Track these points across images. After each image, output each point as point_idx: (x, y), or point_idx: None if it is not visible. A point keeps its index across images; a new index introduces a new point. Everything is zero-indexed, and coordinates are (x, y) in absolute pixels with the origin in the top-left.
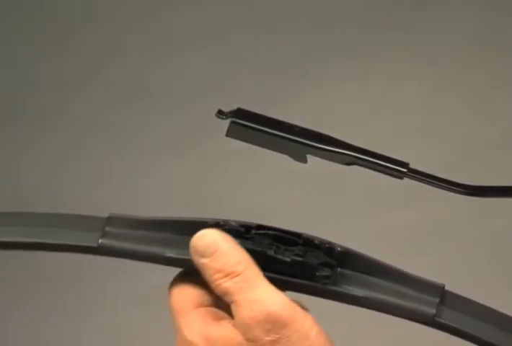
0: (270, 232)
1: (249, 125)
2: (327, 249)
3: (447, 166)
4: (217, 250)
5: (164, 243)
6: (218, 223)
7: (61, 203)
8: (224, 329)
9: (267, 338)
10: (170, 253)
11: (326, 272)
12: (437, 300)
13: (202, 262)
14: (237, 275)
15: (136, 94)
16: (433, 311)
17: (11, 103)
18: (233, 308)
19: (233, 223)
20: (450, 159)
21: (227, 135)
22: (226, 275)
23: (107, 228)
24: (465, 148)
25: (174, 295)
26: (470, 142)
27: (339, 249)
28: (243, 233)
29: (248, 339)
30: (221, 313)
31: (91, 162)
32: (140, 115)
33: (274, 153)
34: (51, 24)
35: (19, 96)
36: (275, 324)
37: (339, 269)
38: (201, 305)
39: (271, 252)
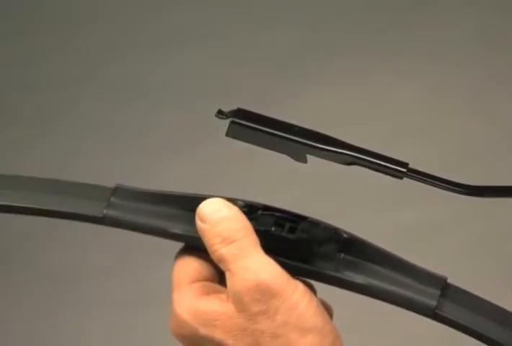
0: (276, 214)
1: (249, 125)
2: (333, 234)
3: (447, 166)
4: (219, 216)
5: (170, 218)
6: (232, 201)
7: None
8: (211, 303)
9: (255, 308)
10: (176, 229)
11: (329, 256)
12: (438, 292)
13: (204, 227)
14: (233, 242)
15: (136, 94)
16: (434, 303)
17: (11, 103)
18: (227, 276)
19: (239, 203)
20: (450, 159)
21: (227, 135)
22: (223, 241)
23: (112, 199)
24: (465, 148)
25: (176, 267)
26: (470, 142)
27: (345, 235)
28: (247, 213)
29: (239, 309)
30: (217, 287)
31: (91, 162)
32: (140, 115)
33: (274, 153)
34: (51, 24)
35: (19, 96)
36: (264, 294)
37: (343, 255)
38: (197, 280)
39: (274, 231)
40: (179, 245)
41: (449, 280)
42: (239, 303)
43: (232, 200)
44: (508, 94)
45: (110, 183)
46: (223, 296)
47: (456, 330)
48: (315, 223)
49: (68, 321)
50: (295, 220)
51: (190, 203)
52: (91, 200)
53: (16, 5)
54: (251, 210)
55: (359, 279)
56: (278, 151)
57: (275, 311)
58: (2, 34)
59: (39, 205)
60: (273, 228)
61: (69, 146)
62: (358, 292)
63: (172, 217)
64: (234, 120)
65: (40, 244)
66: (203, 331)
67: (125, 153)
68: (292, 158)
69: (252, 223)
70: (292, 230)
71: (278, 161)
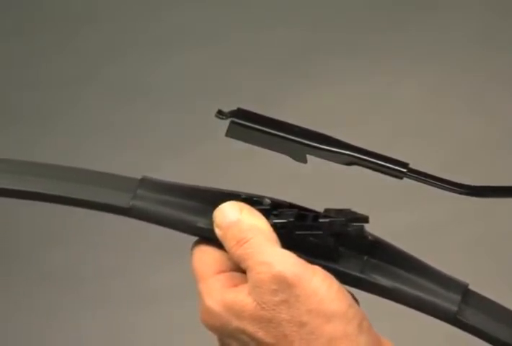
0: (301, 212)
1: (249, 125)
2: (358, 235)
3: (447, 166)
4: (229, 221)
5: (196, 212)
6: (252, 198)
7: None
8: (239, 293)
9: (275, 298)
10: (201, 223)
11: (354, 257)
12: (460, 297)
13: (220, 234)
14: (247, 241)
15: (136, 94)
16: (455, 308)
17: (11, 103)
18: (247, 274)
19: (266, 200)
20: (450, 159)
21: (227, 135)
22: (237, 243)
23: (139, 191)
24: (465, 148)
25: (197, 258)
26: (470, 142)
27: (370, 237)
28: (271, 210)
29: (261, 302)
30: (243, 277)
31: (91, 162)
32: (140, 115)
33: (274, 153)
34: (51, 24)
35: (19, 96)
36: (281, 284)
37: (366, 257)
38: (222, 271)
39: (296, 224)
40: (180, 246)
41: None
42: (260, 296)
43: (260, 197)
44: (508, 94)
45: None
46: (247, 289)
47: (476, 336)
48: (340, 224)
49: (69, 321)
50: (318, 216)
51: (214, 198)
52: (118, 190)
53: (16, 5)
54: (275, 207)
55: (383, 282)
56: (278, 151)
57: (295, 300)
58: (2, 34)
59: (66, 194)
60: (292, 219)
61: (69, 146)
62: (381, 295)
63: (198, 211)
64: (234, 120)
65: (40, 244)
66: (236, 322)
67: (125, 153)
68: (292, 158)
69: (273, 218)
70: (316, 227)
71: (278, 161)
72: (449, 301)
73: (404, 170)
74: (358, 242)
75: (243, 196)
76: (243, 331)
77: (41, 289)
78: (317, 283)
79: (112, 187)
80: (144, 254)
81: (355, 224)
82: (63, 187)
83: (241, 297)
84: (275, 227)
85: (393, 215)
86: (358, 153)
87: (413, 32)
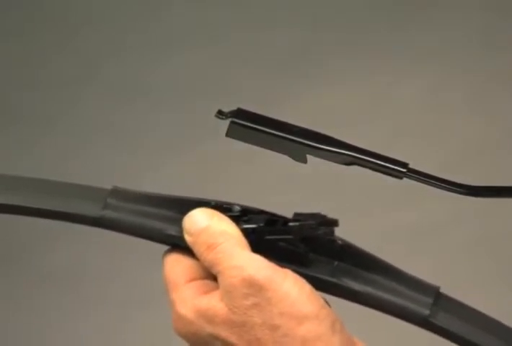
0: (271, 218)
1: (249, 125)
2: (327, 240)
3: (447, 166)
4: (199, 227)
5: (166, 220)
6: (222, 205)
7: None
8: (211, 299)
9: (247, 302)
10: (172, 230)
11: (324, 261)
12: (431, 301)
13: (190, 240)
14: (217, 246)
15: (136, 94)
16: (427, 311)
17: (11, 103)
18: (218, 279)
19: (236, 207)
20: (450, 159)
21: (227, 135)
22: (208, 248)
23: (109, 200)
24: (465, 148)
25: (168, 267)
26: (470, 142)
27: (340, 242)
28: (241, 216)
29: (233, 306)
30: (215, 284)
31: (91, 162)
32: (140, 115)
33: (274, 153)
34: (51, 24)
35: (19, 97)
36: (252, 288)
37: (337, 262)
38: (193, 279)
39: (268, 231)
40: None
41: (449, 280)
42: (231, 301)
43: (230, 205)
44: (508, 94)
45: (110, 183)
46: (219, 294)
47: (448, 340)
48: (309, 227)
49: (68, 321)
50: (288, 221)
51: (184, 206)
52: (88, 200)
53: (16, 5)
54: (245, 213)
55: (354, 286)
56: (278, 151)
57: (267, 303)
58: (2, 34)
59: (34, 205)
60: (262, 224)
61: (69, 146)
62: (351, 299)
63: (168, 219)
64: (234, 120)
65: (40, 245)
66: (209, 329)
67: (125, 153)
68: (292, 158)
69: (243, 224)
70: (286, 232)
71: (278, 161)
72: (421, 304)
73: (404, 170)
74: (328, 247)
75: (213, 203)
76: (216, 337)
77: (41, 289)
78: (289, 286)
79: (82, 198)
80: (144, 255)
81: (324, 227)
82: (31, 198)
83: (213, 303)
84: (246, 232)
85: (393, 215)
86: (358, 153)
87: (413, 32)
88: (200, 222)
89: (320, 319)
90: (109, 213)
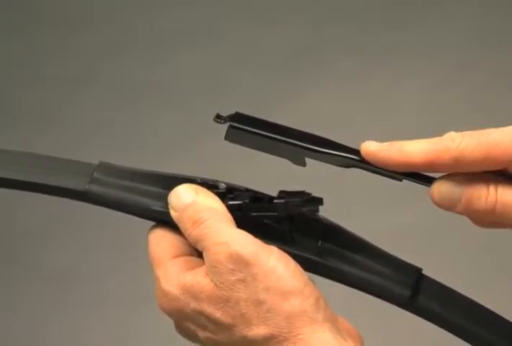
0: (256, 195)
1: (247, 129)
2: (312, 220)
3: None
4: (185, 202)
5: (152, 196)
6: (207, 182)
7: (61, 203)
8: (196, 275)
9: (233, 278)
10: (156, 206)
11: (308, 241)
12: (413, 282)
13: (175, 215)
14: (202, 222)
15: (136, 94)
16: (408, 292)
17: (11, 103)
18: (204, 255)
19: (221, 185)
20: None
21: (225, 139)
22: (193, 224)
23: (95, 174)
24: None
25: (153, 243)
26: None
27: (324, 221)
28: (226, 193)
29: (218, 282)
30: (199, 261)
31: (91, 162)
32: (140, 115)
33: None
34: (51, 24)
35: (19, 96)
36: (237, 264)
37: (320, 242)
38: (178, 255)
39: (253, 207)
40: None
41: (449, 280)
42: (217, 276)
43: (215, 182)
44: (508, 94)
45: None
46: (204, 270)
47: (428, 321)
48: (294, 205)
49: (68, 321)
50: (273, 198)
51: (171, 182)
52: (75, 175)
53: (16, 5)
54: (231, 191)
55: (337, 265)
56: (277, 155)
57: (253, 278)
58: (2, 34)
59: (20, 178)
60: (248, 201)
61: (69, 146)
62: (334, 279)
63: (154, 195)
64: (232, 124)
65: (39, 245)
66: (193, 304)
67: (125, 153)
68: (291, 161)
69: (229, 201)
70: (271, 209)
71: (278, 161)
72: (403, 285)
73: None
74: (312, 226)
75: (199, 180)
76: (201, 313)
77: (40, 289)
78: (274, 262)
79: (69, 172)
80: (144, 254)
81: (310, 205)
82: (17, 171)
83: (199, 278)
84: (231, 209)
85: (393, 215)
86: (357, 156)
87: (413, 32)
88: (186, 198)
89: (305, 295)
90: (95, 188)
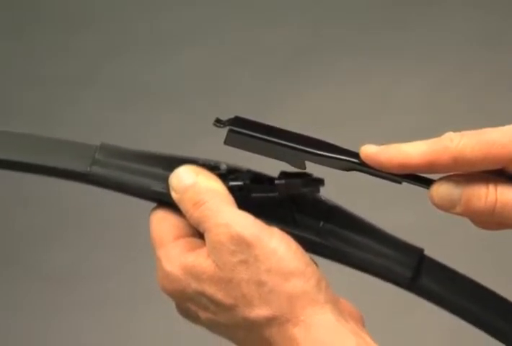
0: (257, 176)
1: (247, 133)
2: (314, 201)
3: None
4: (185, 184)
5: (154, 177)
6: (209, 163)
7: (61, 203)
8: (198, 256)
9: (234, 259)
10: (157, 187)
11: (310, 222)
12: (415, 263)
13: (176, 197)
14: (203, 204)
15: (136, 94)
16: (410, 273)
17: (11, 103)
18: (205, 236)
19: (223, 165)
20: None
21: (225, 143)
22: (194, 205)
23: (97, 156)
24: None
25: (154, 224)
26: None
27: (325, 201)
28: (228, 174)
29: (220, 263)
30: (201, 242)
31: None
32: (140, 115)
33: None
34: (51, 24)
35: (19, 96)
36: (239, 245)
37: (322, 223)
38: (180, 237)
39: (254, 188)
40: None
41: None
42: (218, 257)
43: (216, 163)
44: (508, 94)
45: None
46: (206, 251)
47: (430, 302)
48: (295, 186)
49: (68, 321)
50: (274, 179)
51: (172, 164)
52: (76, 156)
53: (16, 5)
54: (232, 172)
55: (339, 246)
56: (277, 158)
57: (255, 260)
58: (2, 34)
59: (23, 159)
60: (248, 182)
61: None
62: (336, 259)
63: (155, 176)
64: (232, 128)
65: (40, 245)
66: (195, 285)
67: None
68: (291, 164)
69: (229, 182)
70: (272, 189)
71: (278, 164)
72: (405, 266)
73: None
74: (314, 207)
75: (200, 161)
76: (202, 294)
77: (40, 289)
78: (275, 243)
79: (71, 153)
80: (143, 254)
81: (311, 186)
82: (19, 153)
83: (200, 260)
84: (232, 190)
85: (393, 214)
86: (357, 159)
87: (413, 32)
88: (186, 179)
89: (306, 276)
90: (96, 169)
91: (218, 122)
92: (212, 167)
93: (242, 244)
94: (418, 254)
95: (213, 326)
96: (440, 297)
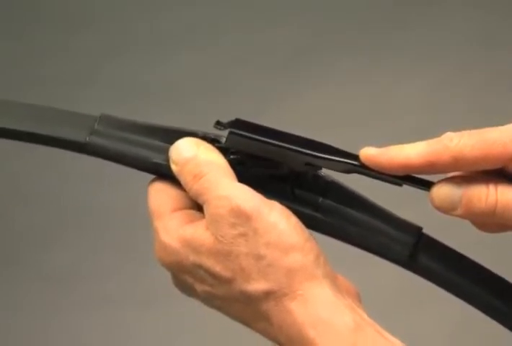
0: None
1: (248, 136)
2: (312, 176)
3: None
4: (186, 156)
5: (153, 148)
6: (209, 136)
7: (61, 203)
8: (197, 228)
9: (234, 232)
10: (157, 159)
11: (309, 197)
12: (413, 240)
13: (176, 169)
14: (203, 176)
15: (136, 94)
16: (408, 251)
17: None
18: (204, 209)
19: (223, 140)
20: None
21: (226, 145)
22: (194, 178)
23: (96, 126)
24: None
25: (153, 196)
26: None
27: (325, 177)
28: (228, 148)
29: (219, 236)
30: (199, 215)
31: (91, 162)
32: (140, 115)
33: None
34: (51, 24)
35: (19, 96)
36: (239, 218)
37: (321, 198)
38: (179, 209)
39: (254, 163)
40: None
41: None
42: (218, 230)
43: (217, 136)
44: (508, 94)
45: (110, 183)
46: (204, 224)
47: (427, 279)
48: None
49: (68, 321)
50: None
51: (172, 136)
52: (76, 126)
53: (16, 5)
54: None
55: (337, 222)
56: (277, 160)
57: (254, 233)
58: (2, 34)
59: (21, 128)
60: (248, 155)
61: None
62: (334, 235)
63: (154, 148)
64: (233, 130)
65: (40, 245)
66: (193, 257)
67: None
68: (291, 166)
69: (230, 155)
70: (271, 165)
71: None
72: (403, 244)
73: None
74: (313, 183)
75: (200, 134)
76: (200, 266)
77: (41, 289)
78: (275, 217)
79: (70, 123)
80: (143, 254)
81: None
82: (18, 122)
83: (199, 232)
84: (232, 163)
85: None
86: (358, 161)
87: (413, 32)
88: (187, 151)
89: (305, 251)
90: (95, 139)
91: (219, 124)
92: (212, 140)
93: (242, 216)
94: (417, 232)
95: (208, 300)
96: (438, 275)
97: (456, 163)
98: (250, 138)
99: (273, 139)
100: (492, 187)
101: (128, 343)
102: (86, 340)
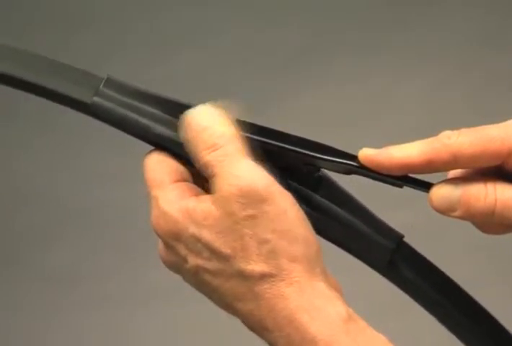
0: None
1: (247, 136)
2: (307, 170)
3: None
4: (204, 124)
5: (157, 119)
6: None
7: (61, 203)
8: (202, 202)
9: (244, 213)
10: (160, 130)
11: (300, 189)
12: (394, 246)
13: (189, 136)
14: (218, 148)
15: None
16: (388, 257)
17: (11, 103)
18: (213, 181)
19: None
20: None
21: None
22: (208, 148)
23: (102, 88)
24: None
25: (152, 166)
26: None
27: (318, 173)
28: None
29: (226, 213)
30: (200, 190)
31: (91, 162)
32: None
33: None
34: (51, 24)
35: (19, 96)
36: (251, 199)
37: (312, 193)
38: (179, 180)
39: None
40: None
41: None
42: (227, 208)
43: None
44: (508, 94)
45: (110, 183)
46: (211, 198)
47: (401, 289)
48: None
49: (68, 321)
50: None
51: (176, 108)
52: (81, 85)
53: (16, 5)
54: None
55: (324, 218)
56: (277, 161)
57: (263, 217)
58: (2, 34)
59: (27, 78)
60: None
61: (69, 146)
62: (317, 231)
63: (159, 119)
64: None
65: (40, 245)
66: (192, 229)
67: (125, 153)
68: (290, 167)
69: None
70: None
71: None
72: (383, 249)
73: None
74: (306, 177)
75: None
76: (199, 239)
77: (41, 289)
78: (287, 204)
79: (77, 82)
80: (143, 254)
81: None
82: (26, 71)
83: (203, 205)
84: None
85: (393, 215)
86: (357, 162)
87: (413, 32)
88: (208, 118)
89: (308, 244)
90: (99, 101)
91: None
92: None
93: (254, 198)
94: (398, 239)
95: (198, 274)
96: (411, 285)
97: (455, 160)
98: (249, 138)
99: (273, 139)
100: (490, 186)
101: (128, 343)
102: (86, 340)
